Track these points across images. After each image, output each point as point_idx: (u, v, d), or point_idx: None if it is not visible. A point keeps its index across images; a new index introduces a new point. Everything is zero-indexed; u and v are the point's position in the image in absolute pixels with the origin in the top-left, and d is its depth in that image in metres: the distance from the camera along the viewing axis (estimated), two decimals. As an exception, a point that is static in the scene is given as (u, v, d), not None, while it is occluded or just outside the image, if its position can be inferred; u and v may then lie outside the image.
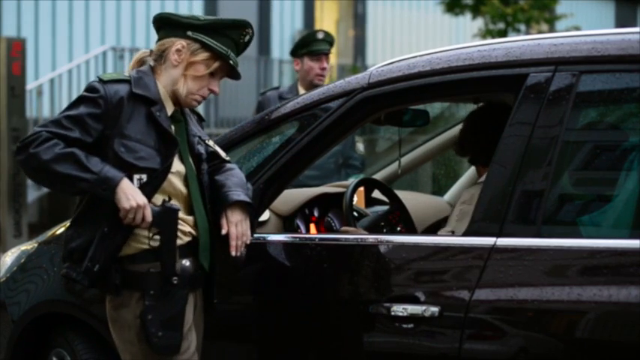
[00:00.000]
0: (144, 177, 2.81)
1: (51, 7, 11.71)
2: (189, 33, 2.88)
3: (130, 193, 2.75)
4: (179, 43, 2.88)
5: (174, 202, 2.86)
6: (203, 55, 2.89)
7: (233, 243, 2.89)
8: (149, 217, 2.78)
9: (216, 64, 2.91)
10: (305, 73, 5.34)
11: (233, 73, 2.97)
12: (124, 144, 2.80)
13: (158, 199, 2.85)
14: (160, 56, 2.93)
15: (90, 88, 2.86)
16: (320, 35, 5.41)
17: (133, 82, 2.87)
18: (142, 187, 2.81)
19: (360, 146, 5.66)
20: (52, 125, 2.81)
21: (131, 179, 2.79)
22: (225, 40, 2.90)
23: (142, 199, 2.76)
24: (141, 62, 2.98)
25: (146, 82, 2.89)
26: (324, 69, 5.35)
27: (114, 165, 2.79)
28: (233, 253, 2.89)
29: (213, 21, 2.91)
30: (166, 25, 2.92)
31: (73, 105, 2.85)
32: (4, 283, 3.83)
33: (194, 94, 2.92)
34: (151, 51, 2.99)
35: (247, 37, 2.94)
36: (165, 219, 2.82)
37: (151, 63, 2.95)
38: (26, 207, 8.86)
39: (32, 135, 2.79)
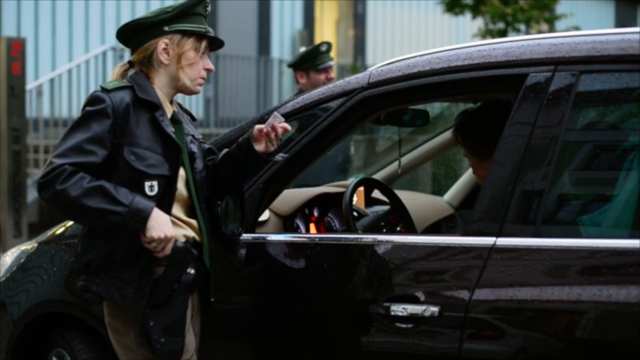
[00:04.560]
0: (155, 184, 2.79)
1: (51, 7, 11.71)
2: (166, 28, 2.87)
3: (161, 223, 2.73)
4: (162, 41, 2.87)
5: (195, 247, 2.88)
6: (188, 43, 2.89)
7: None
8: (168, 251, 2.77)
9: (202, 45, 2.92)
10: (311, 85, 5.39)
11: (217, 44, 2.99)
12: (133, 152, 2.78)
13: (180, 236, 2.85)
14: (147, 61, 2.90)
15: (95, 100, 2.80)
16: (324, 48, 5.50)
17: (135, 87, 2.84)
18: (162, 199, 2.80)
19: (352, 148, 5.69)
20: (74, 154, 2.72)
21: (142, 187, 2.77)
22: (197, 18, 2.92)
23: (170, 232, 2.75)
24: (124, 75, 2.94)
25: (146, 87, 2.87)
26: (330, 79, 5.45)
27: (125, 173, 2.77)
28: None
29: (181, 7, 2.90)
30: (139, 31, 2.89)
31: (82, 123, 2.77)
32: (4, 283, 3.83)
33: (196, 79, 2.93)
34: (130, 62, 2.95)
35: (209, 8, 2.97)
36: (180, 256, 2.82)
37: (139, 70, 2.92)
38: (26, 207, 8.86)
39: (55, 169, 2.69)
